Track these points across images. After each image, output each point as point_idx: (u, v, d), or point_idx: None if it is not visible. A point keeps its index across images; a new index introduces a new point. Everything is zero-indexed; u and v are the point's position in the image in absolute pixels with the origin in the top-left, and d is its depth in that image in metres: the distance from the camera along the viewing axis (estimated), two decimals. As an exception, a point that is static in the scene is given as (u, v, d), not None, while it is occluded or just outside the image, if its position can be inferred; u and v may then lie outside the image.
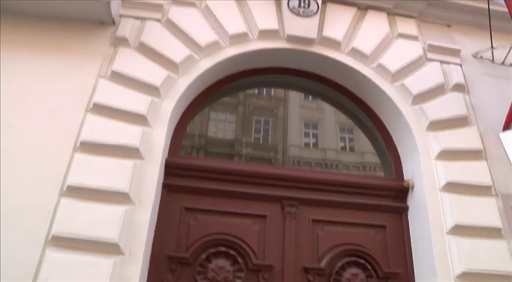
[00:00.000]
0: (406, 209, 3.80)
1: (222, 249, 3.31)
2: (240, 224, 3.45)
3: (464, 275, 3.29)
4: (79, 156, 3.16)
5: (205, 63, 3.84)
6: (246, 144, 4.40)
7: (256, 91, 4.86)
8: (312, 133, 4.70)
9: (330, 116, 4.73)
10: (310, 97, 4.86)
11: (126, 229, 2.95)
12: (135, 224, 3.02)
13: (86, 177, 3.07)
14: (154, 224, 3.28)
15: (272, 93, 4.93)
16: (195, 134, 4.24)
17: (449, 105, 4.02)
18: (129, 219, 3.00)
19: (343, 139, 4.64)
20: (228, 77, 4.16)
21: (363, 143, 4.47)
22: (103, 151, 3.20)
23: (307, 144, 4.63)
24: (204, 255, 3.28)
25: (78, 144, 3.20)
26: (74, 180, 3.04)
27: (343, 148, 4.60)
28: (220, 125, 4.56)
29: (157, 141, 3.39)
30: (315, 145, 4.61)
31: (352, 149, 4.56)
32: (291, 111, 4.67)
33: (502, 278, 3.34)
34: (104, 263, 2.82)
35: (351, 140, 4.62)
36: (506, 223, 3.62)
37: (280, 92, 4.87)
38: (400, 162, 4.01)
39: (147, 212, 3.11)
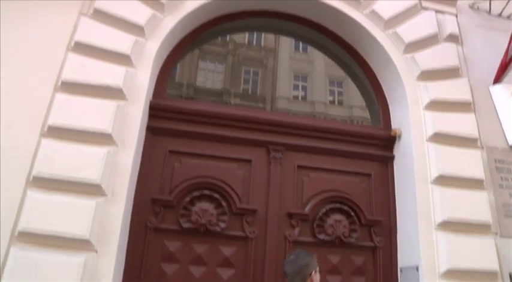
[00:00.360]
0: (392, 158, 3.80)
1: (206, 192, 3.29)
2: (224, 168, 3.43)
3: (445, 224, 3.33)
4: (60, 97, 3.06)
5: (193, 3, 3.68)
6: (234, 95, 4.31)
7: (246, 41, 4.72)
8: (301, 86, 4.62)
9: (320, 68, 4.63)
10: (300, 49, 4.73)
11: (108, 170, 2.91)
12: (117, 166, 2.97)
13: (68, 117, 2.98)
14: (137, 166, 3.24)
15: (262, 43, 4.80)
16: (184, 83, 4.13)
17: (441, 56, 3.94)
18: (111, 160, 2.95)
19: (332, 92, 4.57)
20: (217, 19, 4.01)
21: (352, 97, 4.41)
22: (85, 91, 3.10)
23: (295, 97, 4.56)
24: (187, 198, 3.26)
25: (59, 84, 3.09)
26: (55, 120, 2.96)
27: (332, 102, 4.53)
28: (209, 74, 4.45)
29: (141, 82, 3.29)
30: (304, 98, 4.54)
31: (340, 103, 4.50)
32: (280, 63, 4.56)
33: (481, 227, 3.40)
34: (86, 204, 2.78)
35: (340, 93, 4.55)
36: (488, 175, 3.65)
37: (270, 42, 4.73)
38: (389, 111, 3.97)
39: (130, 154, 3.05)
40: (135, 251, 3.07)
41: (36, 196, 2.74)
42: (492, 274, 3.28)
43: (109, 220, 2.83)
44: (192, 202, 3.26)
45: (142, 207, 3.20)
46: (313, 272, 2.32)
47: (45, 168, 2.82)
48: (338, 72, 4.45)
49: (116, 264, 2.75)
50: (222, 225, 3.25)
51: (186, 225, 3.20)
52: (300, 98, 4.55)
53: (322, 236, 3.38)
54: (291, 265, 2.35)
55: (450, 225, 3.33)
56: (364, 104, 4.28)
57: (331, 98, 4.52)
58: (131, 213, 3.14)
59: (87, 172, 2.85)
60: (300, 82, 4.59)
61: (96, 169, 2.86)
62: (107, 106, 3.08)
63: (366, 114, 4.25)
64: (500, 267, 3.31)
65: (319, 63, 4.62)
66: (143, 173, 3.27)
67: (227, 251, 3.24)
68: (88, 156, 2.90)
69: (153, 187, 3.29)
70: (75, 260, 2.63)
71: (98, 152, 2.93)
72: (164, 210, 3.23)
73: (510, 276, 3.33)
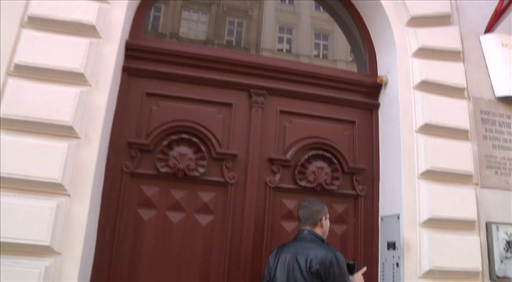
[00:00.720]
0: (377, 105, 3.70)
1: (185, 136, 3.17)
2: (204, 112, 3.29)
3: (428, 173, 3.30)
4: (27, 33, 2.83)
5: None
6: (218, 46, 4.11)
7: (231, -10, 4.44)
8: (286, 38, 4.42)
9: (306, 21, 4.43)
10: (286, 0, 4.50)
11: (81, 112, 2.76)
12: (91, 107, 2.82)
13: (36, 55, 2.78)
14: (113, 109, 3.09)
15: (247, -7, 4.55)
16: (166, 33, 3.91)
17: (432, 2, 3.77)
18: (84, 101, 2.79)
19: (317, 46, 4.39)
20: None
21: (337, 51, 4.25)
22: (55, 27, 2.88)
23: (280, 50, 4.37)
24: (165, 142, 3.13)
25: (26, 19, 2.86)
26: (22, 58, 2.75)
27: (317, 55, 4.37)
28: (193, 25, 4.21)
29: (116, 19, 3.07)
30: (288, 51, 4.36)
31: (325, 57, 4.34)
32: (266, 14, 4.34)
33: (463, 177, 3.38)
34: (57, 147, 2.64)
35: (325, 47, 4.37)
36: (473, 126, 3.61)
37: (256, -8, 4.48)
38: (375, 57, 3.84)
39: (104, 95, 2.89)
40: (111, 196, 2.97)
41: (4, 139, 2.58)
42: (470, 223, 3.30)
43: (82, 164, 2.71)
44: (169, 146, 3.14)
45: (118, 151, 3.07)
46: (324, 218, 2.61)
47: (12, 109, 2.65)
48: (324, 25, 4.27)
49: (90, 209, 2.67)
50: (201, 170, 3.14)
51: (163, 170, 3.09)
52: (284, 50, 4.36)
53: (303, 183, 3.31)
54: (303, 211, 2.62)
55: (433, 175, 3.30)
56: (349, 58, 4.12)
57: (316, 52, 4.35)
58: (106, 158, 3.02)
59: (58, 113, 2.70)
60: (285, 34, 4.39)
61: (67, 110, 2.71)
62: (79, 43, 2.88)
63: (351, 68, 4.09)
64: (478, 216, 3.34)
65: (306, 16, 4.42)
66: (119, 116, 3.11)
67: (206, 196, 3.16)
68: (59, 96, 2.73)
69: (129, 130, 3.15)
70: (46, 204, 2.52)
71: (70, 92, 2.76)
72: (141, 154, 3.10)
73: (486, 225, 3.37)
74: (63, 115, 2.71)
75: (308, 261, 2.34)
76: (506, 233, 3.42)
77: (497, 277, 3.28)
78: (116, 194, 3.00)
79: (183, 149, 3.15)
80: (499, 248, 3.37)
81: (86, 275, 2.71)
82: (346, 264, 2.51)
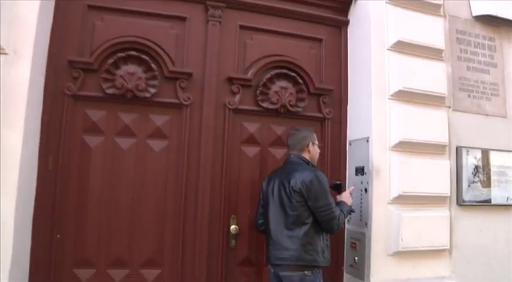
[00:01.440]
0: (346, 23, 3.39)
1: (133, 53, 2.80)
2: (155, 27, 2.91)
3: (399, 93, 3.10)
4: None
5: None
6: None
7: None
8: None
9: None
10: None
11: (6, 23, 2.37)
12: (18, 19, 2.42)
13: None
14: (48, 22, 2.68)
15: None
16: None
17: None
18: (9, 11, 2.39)
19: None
20: None
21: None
22: None
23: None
24: (111, 60, 2.76)
25: None
26: None
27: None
28: None
29: None
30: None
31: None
32: None
33: (435, 99, 3.23)
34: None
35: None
36: (448, 46, 3.40)
37: None
38: (344, -30, 3.48)
39: (34, 5, 2.48)
40: (52, 122, 2.65)
41: None
42: (441, 147, 3.20)
43: (12, 84, 2.37)
44: (116, 65, 2.79)
45: (57, 72, 2.70)
46: (311, 144, 2.67)
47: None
48: None
49: (26, 137, 2.40)
50: (152, 90, 2.83)
51: (110, 91, 2.76)
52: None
53: (265, 104, 3.06)
54: (291, 138, 2.69)
55: (405, 96, 3.11)
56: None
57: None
58: (45, 78, 2.67)
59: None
60: None
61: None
62: None
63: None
64: (449, 140, 3.23)
65: None
66: (57, 31, 2.71)
67: (159, 120, 2.89)
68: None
69: (70, 48, 2.77)
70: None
71: (-10, -1, 2.35)
72: (84, 74, 2.75)
73: (456, 149, 3.27)
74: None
75: (292, 182, 2.44)
76: (475, 158, 3.36)
77: (464, 201, 3.24)
78: (57, 119, 2.68)
79: (132, 68, 2.80)
80: (467, 172, 3.31)
81: (26, 210, 2.49)
82: (334, 184, 2.73)
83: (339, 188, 2.75)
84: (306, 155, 2.64)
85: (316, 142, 2.70)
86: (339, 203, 2.59)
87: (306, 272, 2.39)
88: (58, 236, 2.61)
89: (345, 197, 2.67)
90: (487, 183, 3.37)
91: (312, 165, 2.62)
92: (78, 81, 2.74)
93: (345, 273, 3.14)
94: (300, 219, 2.42)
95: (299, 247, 2.39)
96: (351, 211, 2.68)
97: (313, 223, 2.43)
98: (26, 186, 2.47)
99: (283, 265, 2.43)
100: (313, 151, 2.67)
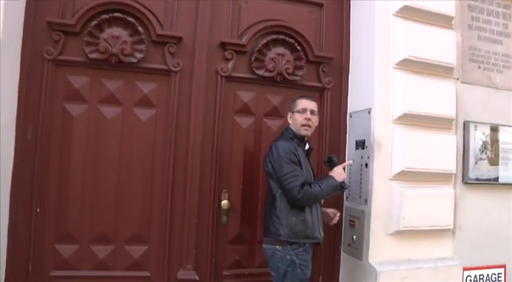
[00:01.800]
0: (349, -15, 3.17)
1: (118, 15, 2.55)
2: (143, -10, 2.69)
3: (405, 62, 2.89)
4: None
5: None
6: None
7: None
8: None
9: None
10: None
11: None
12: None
13: None
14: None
15: None
16: None
17: None
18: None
19: None
20: None
21: None
22: None
23: None
24: (94, 22, 2.55)
25: None
26: None
27: None
28: None
29: None
30: None
31: None
32: None
33: (443, 69, 3.02)
34: None
35: None
36: (459, 12, 3.17)
37: None
38: None
39: (7, -44, 2.27)
40: (31, 88, 2.48)
41: None
42: (448, 121, 3.03)
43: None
44: (99, 27, 2.58)
45: (35, 34, 2.51)
46: (290, 114, 2.53)
47: None
48: None
49: (2, 104, 2.26)
50: (139, 55, 2.62)
51: (93, 55, 2.56)
52: None
53: (261, 72, 2.86)
54: None
55: (410, 65, 2.90)
56: None
57: None
58: (21, 41, 2.48)
59: None
60: None
61: None
62: None
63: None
64: (456, 114, 3.05)
65: None
66: (32, -4, 2.51)
67: (146, 87, 2.70)
68: None
69: (50, 9, 2.55)
70: None
71: None
72: (65, 37, 2.55)
73: (464, 124, 3.09)
74: None
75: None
76: (484, 134, 3.17)
77: (470, 179, 3.07)
78: (36, 85, 2.50)
79: (117, 31, 2.60)
80: (475, 149, 3.14)
81: (3, 183, 2.36)
82: (327, 158, 2.55)
83: (331, 162, 2.51)
84: (291, 125, 2.50)
85: (297, 109, 2.46)
86: (325, 177, 2.43)
87: (276, 246, 2.31)
88: (38, 209, 2.48)
89: (336, 171, 2.42)
90: (495, 161, 3.19)
91: (294, 136, 2.44)
92: (58, 45, 2.54)
93: (342, 252, 3.03)
94: (271, 192, 2.37)
95: (269, 220, 2.36)
96: (342, 188, 2.41)
97: (281, 195, 2.33)
98: (3, 158, 2.31)
99: (264, 238, 2.42)
100: (293, 120, 2.48)
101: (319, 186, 2.32)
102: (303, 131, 2.45)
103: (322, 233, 2.43)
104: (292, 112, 2.49)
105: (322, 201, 2.53)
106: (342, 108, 3.09)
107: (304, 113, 2.43)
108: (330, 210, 2.61)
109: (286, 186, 2.28)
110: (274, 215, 2.33)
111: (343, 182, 2.41)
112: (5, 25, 2.27)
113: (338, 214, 2.61)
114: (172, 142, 2.68)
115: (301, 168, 2.34)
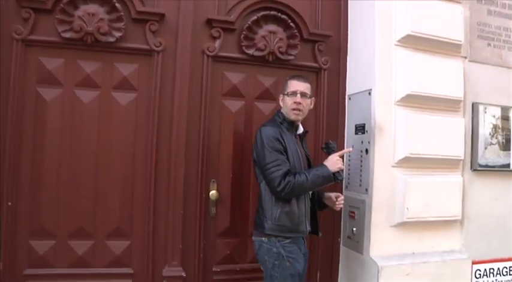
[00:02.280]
0: (347, -43, 2.98)
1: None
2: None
3: (407, 39, 2.71)
4: None
5: None
6: None
7: None
8: None
9: None
10: None
11: None
12: None
13: None
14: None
15: None
16: None
17: None
18: None
19: None
20: None
21: None
22: None
23: None
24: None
25: None
26: None
27: None
28: None
29: None
30: None
31: None
32: None
33: (450, 47, 2.84)
34: None
35: None
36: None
37: None
38: None
39: None
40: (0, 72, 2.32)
41: None
42: (455, 102, 2.86)
43: None
44: (73, 4, 2.38)
45: (2, 12, 2.33)
46: (281, 97, 2.35)
47: None
48: None
49: None
50: (117, 34, 2.44)
51: (67, 35, 2.38)
52: None
53: (251, 51, 2.69)
54: None
55: (414, 42, 2.73)
56: None
57: None
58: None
59: None
60: None
61: None
62: None
63: None
64: (464, 95, 2.88)
65: None
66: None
67: (125, 68, 2.54)
68: None
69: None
70: None
71: None
72: (36, 15, 2.36)
73: (473, 106, 2.94)
74: None
75: None
76: (494, 116, 3.02)
77: (479, 166, 2.92)
78: (5, 68, 2.34)
79: (92, 8, 2.40)
80: (484, 133, 2.99)
81: None
82: (325, 144, 2.35)
83: (328, 149, 2.30)
84: (282, 109, 2.33)
85: (287, 92, 2.28)
86: (317, 166, 2.27)
87: (263, 238, 2.19)
88: (9, 203, 2.34)
89: (331, 160, 2.21)
90: (506, 146, 3.03)
91: (284, 120, 2.28)
92: (28, 23, 2.37)
93: (341, 245, 2.89)
94: (258, 181, 2.27)
95: (257, 211, 2.27)
96: (336, 179, 2.20)
97: (266, 185, 2.20)
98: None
99: (254, 230, 2.30)
100: (283, 104, 2.31)
101: (306, 176, 2.13)
102: (293, 116, 2.26)
103: (309, 227, 2.27)
104: (283, 94, 2.31)
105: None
106: (340, 90, 2.92)
107: (293, 96, 2.25)
108: (333, 194, 2.43)
109: (267, 176, 2.13)
110: (260, 206, 2.23)
111: (338, 172, 2.20)
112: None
113: (341, 197, 2.41)
114: (154, 128, 2.52)
115: (287, 156, 2.17)
